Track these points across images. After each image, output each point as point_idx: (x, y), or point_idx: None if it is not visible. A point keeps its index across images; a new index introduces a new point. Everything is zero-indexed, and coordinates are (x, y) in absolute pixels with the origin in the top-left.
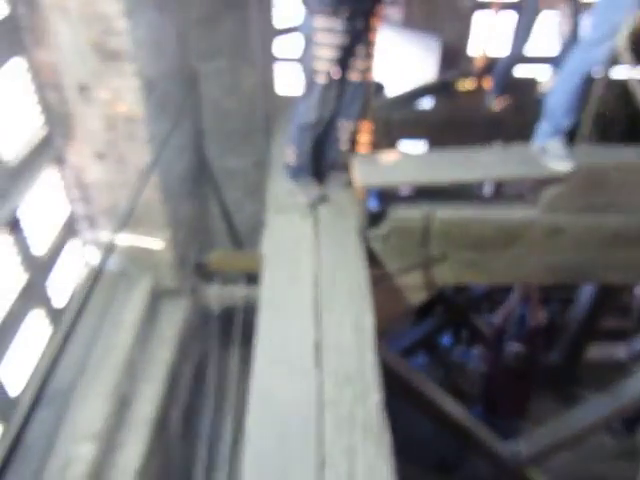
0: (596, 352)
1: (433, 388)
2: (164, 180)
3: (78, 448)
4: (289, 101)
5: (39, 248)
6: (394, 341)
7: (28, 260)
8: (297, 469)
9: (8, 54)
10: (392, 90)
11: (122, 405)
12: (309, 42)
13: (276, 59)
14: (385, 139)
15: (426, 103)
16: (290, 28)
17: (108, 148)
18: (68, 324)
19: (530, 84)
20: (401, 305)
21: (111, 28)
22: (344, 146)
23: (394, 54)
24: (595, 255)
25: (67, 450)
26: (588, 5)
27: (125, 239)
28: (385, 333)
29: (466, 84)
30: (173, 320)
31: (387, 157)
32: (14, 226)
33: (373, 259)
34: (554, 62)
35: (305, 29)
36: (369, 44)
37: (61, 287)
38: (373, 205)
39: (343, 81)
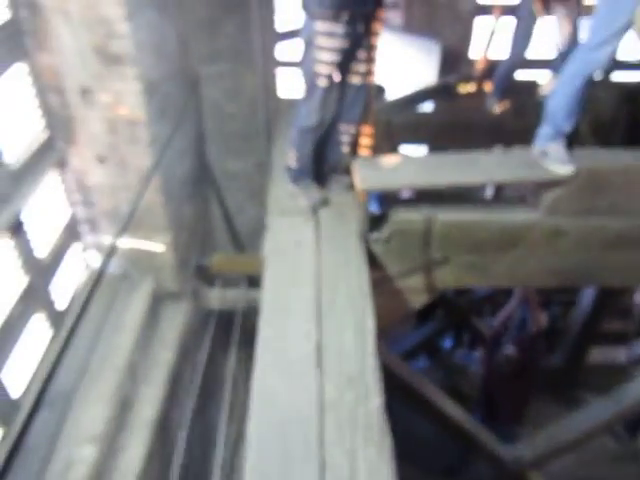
0: (598, 355)
1: (434, 391)
2: (165, 183)
3: (80, 450)
4: (290, 104)
5: (41, 251)
6: (395, 344)
7: (30, 263)
8: (298, 471)
9: (11, 59)
10: (393, 93)
11: (123, 407)
12: (309, 45)
13: (278, 62)
14: (386, 142)
15: (427, 106)
16: (292, 31)
17: (110, 151)
18: (69, 327)
19: (531, 87)
20: (402, 308)
21: (113, 32)
22: (345, 149)
23: (395, 57)
24: (596, 258)
25: (69, 452)
26: (587, 9)
27: (126, 242)
28: (386, 336)
29: (467, 87)
30: (174, 323)
31: (388, 160)
32: (16, 229)
33: (374, 262)
34: (554, 66)
35: (305, 33)
36: (370, 48)
37: (62, 290)
38: (374, 208)
39: (344, 84)
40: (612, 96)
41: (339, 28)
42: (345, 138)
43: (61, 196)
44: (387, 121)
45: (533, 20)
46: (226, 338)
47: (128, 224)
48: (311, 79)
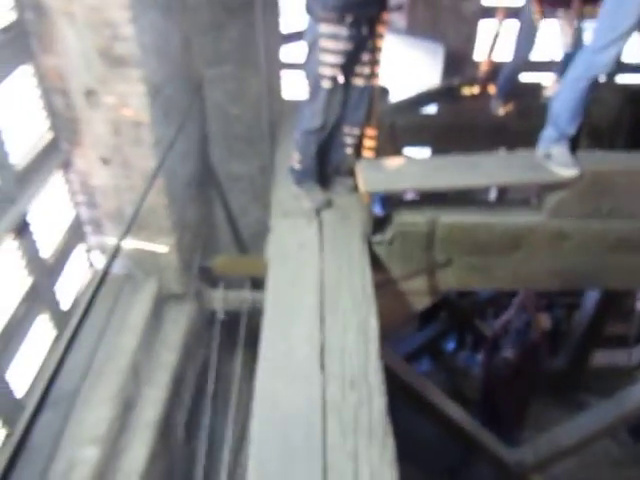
0: (601, 358)
1: (437, 393)
2: (169, 185)
3: (82, 451)
4: (294, 106)
5: (45, 252)
6: (398, 346)
7: (35, 264)
8: (301, 473)
9: (16, 61)
10: (397, 95)
11: (126, 409)
12: (313, 48)
13: (282, 65)
14: (390, 144)
15: (431, 108)
16: (296, 34)
17: (114, 153)
18: (73, 327)
19: (535, 89)
20: (405, 310)
21: (117, 34)
22: (349, 151)
23: (399, 59)
24: (599, 261)
25: (72, 453)
26: (591, 12)
27: (130, 243)
28: (389, 338)
29: (471, 89)
30: (178, 324)
31: (392, 162)
32: (21, 230)
33: (377, 264)
34: (558, 68)
35: (309, 35)
36: (374, 50)
37: (66, 291)
38: (377, 210)
39: (348, 86)
40: (616, 98)
41: (343, 30)
42: (349, 140)
43: (65, 197)
44: (391, 123)
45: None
46: (229, 339)
47: (132, 225)
48: (315, 81)
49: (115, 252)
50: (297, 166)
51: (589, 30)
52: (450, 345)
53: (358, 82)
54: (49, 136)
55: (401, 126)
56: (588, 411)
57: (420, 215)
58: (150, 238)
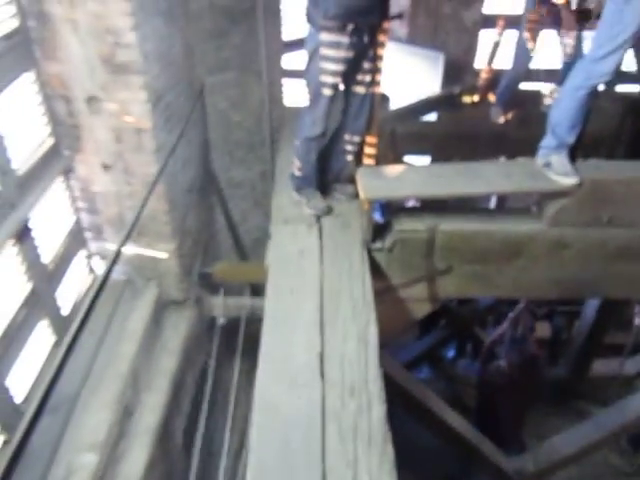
0: (602, 367)
1: (437, 401)
2: (170, 191)
3: (81, 457)
4: (295, 113)
5: (46, 258)
6: (398, 353)
7: (35, 270)
8: None
9: (19, 69)
10: (397, 103)
11: (126, 414)
12: (314, 55)
13: (284, 72)
14: (390, 151)
15: (431, 116)
16: (298, 41)
17: (115, 159)
18: (73, 333)
19: (535, 97)
20: (405, 317)
21: (120, 41)
22: (349, 158)
23: (399, 67)
24: (599, 269)
25: (70, 459)
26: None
27: (131, 249)
28: (389, 345)
29: (471, 97)
30: (177, 330)
31: (392, 170)
32: (22, 236)
33: (377, 271)
34: (558, 77)
35: (310, 43)
36: (375, 58)
37: (66, 296)
38: (378, 217)
39: (349, 94)
40: (616, 107)
41: (344, 39)
42: (349, 147)
43: (66, 203)
44: (391, 131)
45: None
46: (229, 346)
47: (132, 231)
48: (316, 89)
49: (115, 258)
50: (297, 173)
51: (589, 39)
52: (450, 353)
53: (359, 90)
54: (50, 142)
55: (401, 134)
56: (588, 420)
57: (420, 222)
58: (150, 244)
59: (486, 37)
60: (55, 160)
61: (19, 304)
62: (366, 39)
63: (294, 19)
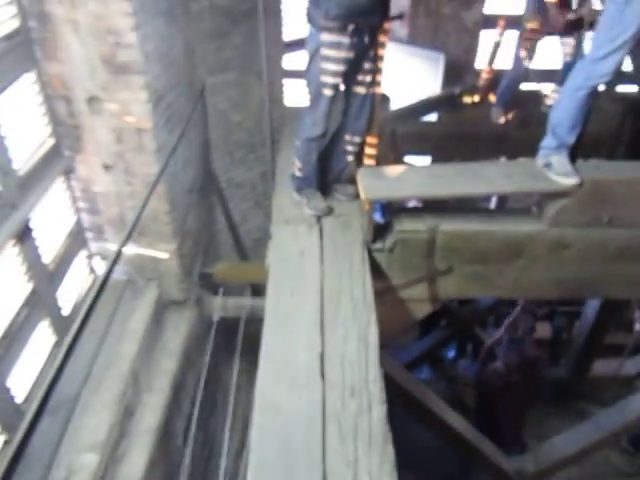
0: (602, 367)
1: (437, 401)
2: (171, 191)
3: (82, 457)
4: (296, 113)
5: (46, 258)
6: (398, 354)
7: (36, 270)
8: None
9: (20, 69)
10: (398, 103)
11: (126, 415)
12: (315, 56)
13: (284, 72)
14: (391, 152)
15: (431, 116)
16: (299, 41)
17: (116, 159)
18: (73, 333)
19: (535, 98)
20: (406, 318)
21: (121, 41)
22: (350, 159)
23: (400, 68)
24: (599, 270)
25: (71, 459)
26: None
27: (131, 249)
28: (389, 346)
29: (471, 98)
30: (178, 330)
31: (392, 170)
32: (23, 236)
33: (378, 271)
34: (559, 77)
35: (311, 44)
36: (376, 58)
37: (67, 296)
38: (378, 217)
39: (350, 94)
40: (616, 108)
41: (345, 39)
42: (350, 148)
43: (67, 203)
44: (392, 131)
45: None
46: (229, 346)
47: (133, 231)
48: (316, 89)
49: (116, 258)
50: (298, 173)
51: (589, 40)
52: (450, 353)
53: (359, 90)
54: (51, 142)
55: (402, 134)
56: (589, 420)
57: (421, 223)
58: (151, 244)
59: (487, 37)
60: (56, 160)
61: (20, 304)
62: (367, 40)
63: (295, 19)
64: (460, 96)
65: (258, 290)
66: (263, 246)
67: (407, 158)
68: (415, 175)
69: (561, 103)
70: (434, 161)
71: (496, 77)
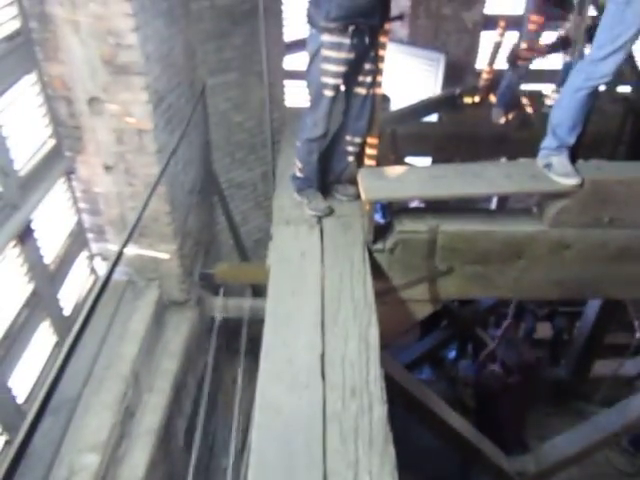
0: (603, 367)
1: (438, 402)
2: (171, 192)
3: (83, 458)
4: (296, 114)
5: (47, 258)
6: (399, 354)
7: (37, 270)
8: None
9: (21, 70)
10: (398, 104)
11: (127, 415)
12: (315, 57)
13: (285, 73)
14: (391, 152)
15: (432, 117)
16: (299, 42)
17: (117, 160)
18: (74, 334)
19: (536, 98)
20: (406, 318)
21: (121, 42)
22: (351, 159)
23: (400, 68)
24: (600, 270)
25: (72, 460)
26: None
27: (132, 250)
28: (390, 346)
29: (472, 98)
30: (179, 331)
31: (393, 170)
32: (24, 237)
33: (378, 272)
34: (559, 78)
35: (311, 45)
36: (376, 59)
37: (68, 297)
38: (379, 218)
39: (350, 95)
40: (617, 108)
41: (346, 40)
42: (351, 148)
43: (68, 204)
44: (392, 132)
45: (537, 34)
46: (230, 347)
47: (134, 232)
48: (317, 90)
49: (117, 259)
50: (299, 174)
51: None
52: (451, 353)
53: (360, 91)
54: (52, 143)
55: (402, 135)
56: (589, 421)
57: (421, 223)
58: (152, 245)
59: (487, 38)
60: (57, 161)
61: (21, 305)
62: (367, 40)
63: (295, 20)
64: (460, 97)
65: (259, 291)
66: (264, 247)
67: (408, 158)
68: (415, 175)
69: (561, 103)
70: (434, 161)
71: (497, 77)
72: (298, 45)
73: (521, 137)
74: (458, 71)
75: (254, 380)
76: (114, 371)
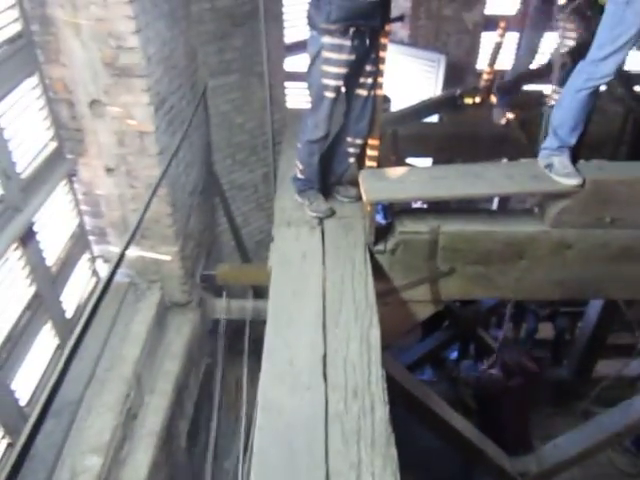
0: (606, 368)
1: (440, 402)
2: (173, 194)
3: (85, 460)
4: (297, 115)
5: (49, 261)
6: (401, 355)
7: (38, 273)
8: None
9: (22, 73)
10: (399, 105)
11: (129, 417)
12: (316, 58)
13: (286, 74)
14: (392, 153)
15: (432, 118)
16: (300, 43)
17: (118, 162)
18: (76, 336)
19: (537, 98)
20: (408, 319)
21: (123, 45)
22: (352, 160)
23: (401, 69)
24: (602, 270)
25: (74, 462)
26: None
27: (134, 252)
28: (392, 347)
29: (473, 99)
30: (181, 332)
31: (394, 171)
32: (25, 239)
33: (380, 273)
34: (560, 78)
35: (312, 47)
36: (377, 61)
37: (70, 299)
38: (380, 219)
39: (351, 97)
40: (618, 108)
41: (346, 42)
42: (352, 150)
43: (70, 206)
44: (393, 133)
45: (541, 32)
46: (232, 348)
47: (136, 234)
48: (318, 91)
49: (119, 261)
50: (300, 175)
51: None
52: (453, 354)
53: (361, 92)
54: (54, 146)
55: (403, 135)
56: (592, 421)
57: (422, 224)
58: (153, 247)
59: (487, 39)
60: (58, 163)
61: (23, 307)
62: (368, 42)
63: (296, 22)
64: (461, 97)
65: (260, 292)
66: (265, 248)
67: (408, 159)
68: (416, 176)
69: (562, 104)
70: (435, 162)
71: (497, 78)
72: (299, 46)
73: (522, 137)
74: (459, 72)
75: (257, 381)
76: (116, 373)
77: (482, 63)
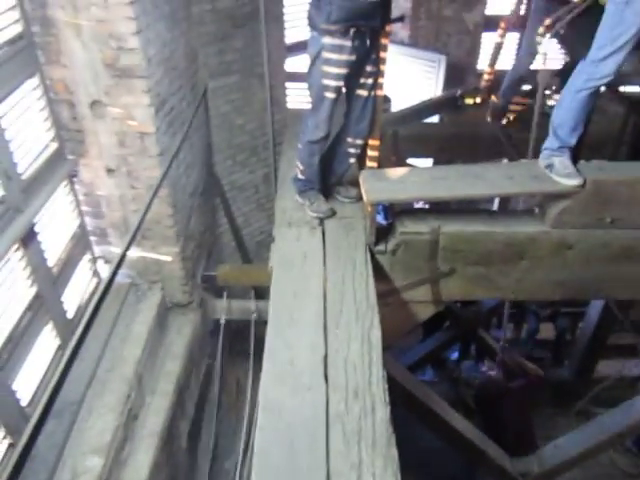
0: (607, 368)
1: (440, 403)
2: (173, 194)
3: (86, 460)
4: (298, 116)
5: (50, 261)
6: (402, 356)
7: (39, 273)
8: None
9: (23, 73)
10: (399, 105)
11: (130, 418)
12: (316, 59)
13: (286, 75)
14: (392, 154)
15: (433, 118)
16: (300, 44)
17: (119, 163)
18: (77, 336)
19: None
20: (409, 320)
21: (123, 46)
22: (352, 161)
23: (401, 70)
24: (602, 270)
25: (75, 462)
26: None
27: (135, 252)
28: (393, 348)
29: (473, 99)
30: (182, 333)
31: (395, 172)
32: (26, 240)
33: (381, 274)
34: (560, 78)
35: (312, 47)
36: (378, 61)
37: (71, 300)
38: (381, 220)
39: (351, 97)
40: (618, 108)
41: (347, 42)
42: (352, 150)
43: (70, 207)
44: (394, 133)
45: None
46: (233, 349)
47: (136, 235)
48: (319, 92)
49: (120, 261)
50: (300, 176)
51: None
52: (453, 355)
53: (361, 93)
54: (54, 147)
55: (404, 136)
56: (593, 421)
57: (423, 224)
58: (154, 247)
59: (488, 39)
60: (59, 164)
61: (24, 308)
62: (368, 42)
63: (296, 22)
64: (462, 98)
65: (261, 292)
66: (266, 248)
67: (409, 160)
68: (417, 177)
69: (562, 104)
70: (436, 163)
71: (498, 78)
72: (299, 47)
73: (523, 137)
74: (459, 72)
75: (258, 381)
76: (117, 374)
77: (482, 63)
